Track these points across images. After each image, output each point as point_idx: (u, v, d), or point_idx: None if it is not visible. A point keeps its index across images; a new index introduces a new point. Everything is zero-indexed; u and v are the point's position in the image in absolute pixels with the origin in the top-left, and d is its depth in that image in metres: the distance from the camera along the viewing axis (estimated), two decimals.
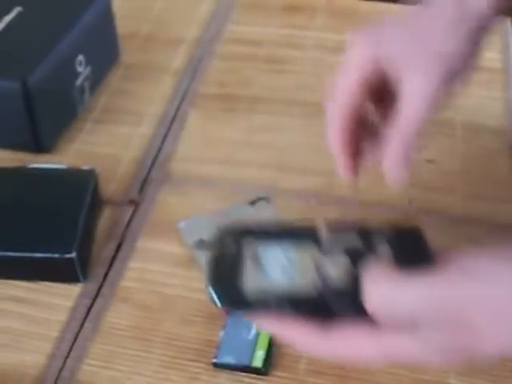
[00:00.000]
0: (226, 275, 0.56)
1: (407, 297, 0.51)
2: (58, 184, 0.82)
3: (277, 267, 0.56)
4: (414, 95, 0.60)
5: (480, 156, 0.89)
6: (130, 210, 0.84)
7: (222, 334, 0.69)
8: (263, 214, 0.80)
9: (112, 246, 0.80)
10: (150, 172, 0.89)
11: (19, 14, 0.96)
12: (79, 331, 0.72)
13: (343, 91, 0.62)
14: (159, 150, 0.92)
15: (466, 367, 0.67)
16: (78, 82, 0.96)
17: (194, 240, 0.78)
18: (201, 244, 0.78)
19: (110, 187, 0.86)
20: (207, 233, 0.78)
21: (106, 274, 0.77)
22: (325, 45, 1.07)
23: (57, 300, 0.75)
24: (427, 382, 0.66)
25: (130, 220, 0.83)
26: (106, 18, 1.02)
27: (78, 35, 0.95)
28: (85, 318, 0.73)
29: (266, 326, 0.57)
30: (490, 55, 1.03)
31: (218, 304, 0.56)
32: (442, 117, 0.93)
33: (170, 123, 0.96)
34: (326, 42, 1.08)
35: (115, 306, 0.74)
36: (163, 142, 0.93)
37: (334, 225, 0.58)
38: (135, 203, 0.84)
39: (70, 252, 0.74)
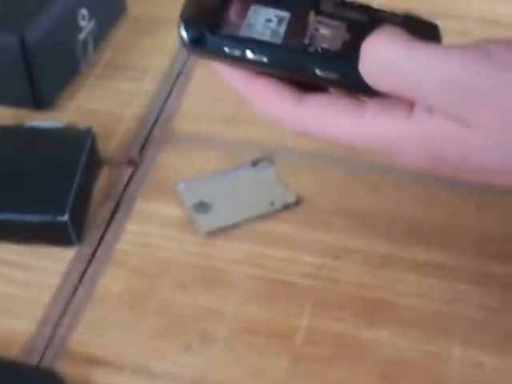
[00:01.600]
0: (202, 16, 0.51)
1: (414, 59, 0.44)
2: (53, 143, 0.79)
3: (263, 23, 0.50)
4: None
5: None
6: (128, 171, 0.80)
7: None
8: (265, 176, 0.76)
9: (109, 207, 0.77)
10: (152, 131, 0.85)
11: None
12: (72, 297, 0.69)
13: None
14: (162, 107, 0.88)
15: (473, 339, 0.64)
16: (81, 36, 0.92)
17: (192, 202, 0.75)
18: (200, 206, 0.74)
19: (109, 146, 0.83)
20: (206, 195, 0.75)
21: (101, 237, 0.74)
22: None
23: (49, 264, 0.72)
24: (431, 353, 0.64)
25: (129, 181, 0.79)
26: None
27: None
28: (78, 283, 0.70)
29: (234, 82, 0.51)
30: None
31: (186, 47, 0.51)
32: None
33: (175, 79, 0.92)
34: None
35: (110, 271, 0.71)
36: (167, 99, 0.89)
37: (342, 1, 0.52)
38: (134, 163, 0.81)
39: (63, 214, 0.71)
